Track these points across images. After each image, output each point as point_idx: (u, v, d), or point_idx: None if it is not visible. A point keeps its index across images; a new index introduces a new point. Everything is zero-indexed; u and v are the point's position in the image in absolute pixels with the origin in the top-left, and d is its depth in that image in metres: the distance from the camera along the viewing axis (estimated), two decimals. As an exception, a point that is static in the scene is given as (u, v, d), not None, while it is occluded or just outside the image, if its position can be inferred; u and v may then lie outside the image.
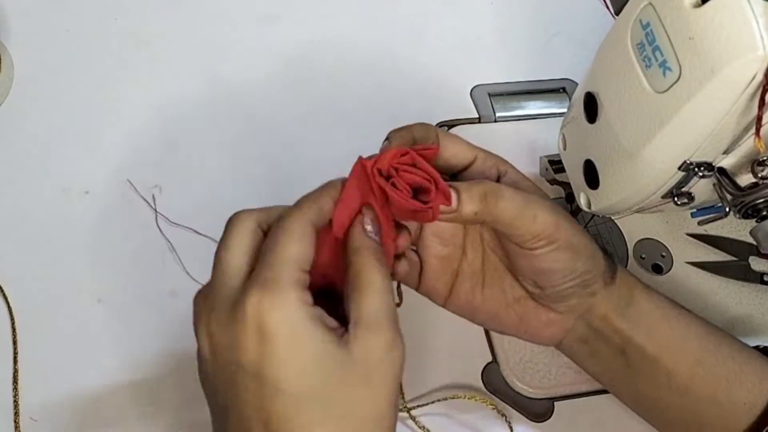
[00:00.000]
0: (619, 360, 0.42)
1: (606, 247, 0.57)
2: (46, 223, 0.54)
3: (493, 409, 0.50)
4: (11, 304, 0.50)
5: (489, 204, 0.36)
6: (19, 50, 0.61)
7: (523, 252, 0.38)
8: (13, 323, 0.50)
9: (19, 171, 0.56)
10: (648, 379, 0.42)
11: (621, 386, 0.44)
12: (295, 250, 0.32)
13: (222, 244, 0.34)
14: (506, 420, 0.50)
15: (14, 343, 0.49)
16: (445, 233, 0.42)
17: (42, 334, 0.50)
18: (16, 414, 0.47)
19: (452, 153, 0.39)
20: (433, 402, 0.50)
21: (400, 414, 0.49)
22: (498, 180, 0.40)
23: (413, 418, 0.50)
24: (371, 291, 0.33)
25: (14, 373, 0.48)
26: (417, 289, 0.43)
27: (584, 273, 0.39)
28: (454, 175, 0.40)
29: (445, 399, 0.50)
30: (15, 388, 0.48)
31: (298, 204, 0.35)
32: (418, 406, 0.50)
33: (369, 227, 0.36)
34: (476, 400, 0.50)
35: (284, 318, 0.30)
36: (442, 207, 0.35)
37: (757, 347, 0.44)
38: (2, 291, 0.51)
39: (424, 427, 0.49)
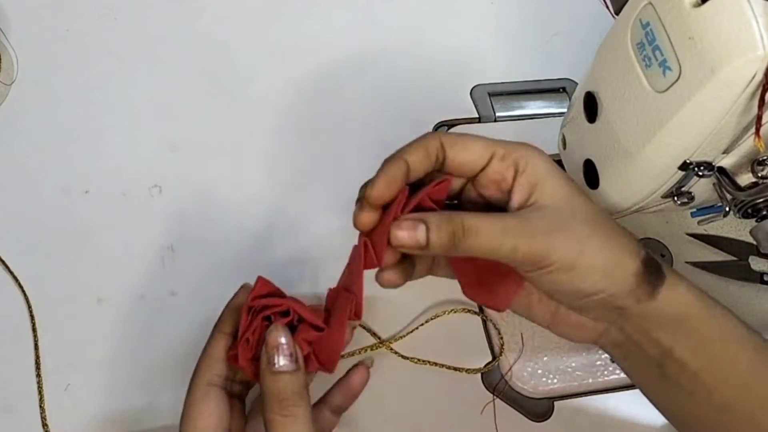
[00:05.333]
0: (654, 370, 0.40)
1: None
2: (46, 223, 0.54)
3: (470, 312, 0.51)
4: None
5: (458, 242, 0.34)
6: (19, 50, 0.61)
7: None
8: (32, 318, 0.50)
9: (19, 171, 0.56)
10: (685, 392, 0.40)
11: (654, 393, 0.42)
12: (196, 424, 0.37)
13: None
14: (482, 317, 0.53)
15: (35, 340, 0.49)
16: None
17: (40, 333, 0.50)
18: (41, 401, 0.48)
19: (461, 162, 0.37)
20: (411, 331, 0.52)
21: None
22: (515, 176, 0.37)
23: (393, 350, 0.51)
24: None
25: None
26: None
27: (595, 293, 0.36)
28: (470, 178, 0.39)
29: (424, 324, 0.52)
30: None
31: (195, 368, 0.39)
32: (399, 338, 0.52)
33: (274, 359, 0.36)
34: (454, 312, 0.52)
35: None
36: (409, 241, 0.34)
37: None
38: (21, 286, 0.51)
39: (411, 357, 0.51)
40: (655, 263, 0.37)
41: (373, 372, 0.47)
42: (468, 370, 0.51)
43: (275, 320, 0.37)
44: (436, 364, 0.51)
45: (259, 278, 0.39)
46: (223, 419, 0.38)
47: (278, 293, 0.39)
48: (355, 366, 0.40)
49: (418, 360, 0.51)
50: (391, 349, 0.51)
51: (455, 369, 0.51)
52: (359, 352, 0.50)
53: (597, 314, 0.38)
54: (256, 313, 0.37)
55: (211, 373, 0.38)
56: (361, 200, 0.37)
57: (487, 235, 0.34)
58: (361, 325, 0.52)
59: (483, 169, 0.37)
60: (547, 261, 0.35)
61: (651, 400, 0.42)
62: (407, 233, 0.34)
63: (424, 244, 0.34)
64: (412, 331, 0.52)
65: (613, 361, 0.52)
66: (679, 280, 0.38)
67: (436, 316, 0.53)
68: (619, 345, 0.40)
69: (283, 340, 0.36)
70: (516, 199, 0.37)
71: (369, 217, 0.36)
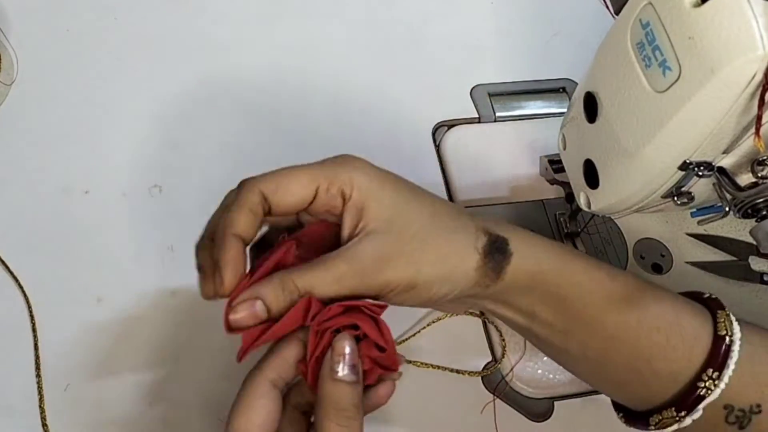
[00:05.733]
0: (527, 332, 0.40)
1: (605, 246, 0.57)
2: (46, 223, 0.54)
3: (471, 314, 0.52)
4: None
5: (293, 295, 0.34)
6: (19, 50, 0.61)
7: None
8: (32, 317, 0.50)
9: (19, 171, 0.56)
10: (560, 350, 0.40)
11: (539, 347, 0.42)
12: (248, 418, 0.34)
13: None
14: (483, 318, 0.53)
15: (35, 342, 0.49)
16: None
17: (40, 333, 0.50)
18: (41, 400, 0.48)
19: (287, 206, 0.36)
20: (413, 335, 0.52)
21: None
22: (344, 204, 0.36)
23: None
24: None
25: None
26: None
27: (440, 298, 0.37)
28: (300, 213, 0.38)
29: (426, 327, 0.53)
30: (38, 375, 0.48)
31: (259, 363, 0.35)
32: (401, 341, 0.52)
33: (338, 366, 0.34)
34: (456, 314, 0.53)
35: None
36: (252, 320, 0.34)
37: (700, 295, 0.40)
38: (20, 286, 0.51)
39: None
40: (496, 246, 0.37)
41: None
42: (471, 373, 0.51)
43: (343, 331, 0.36)
44: (438, 367, 0.51)
45: (311, 299, 0.36)
46: (275, 422, 0.36)
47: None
48: (383, 378, 0.39)
49: (421, 363, 0.51)
50: None
51: (457, 372, 0.51)
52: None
53: (453, 307, 0.39)
54: (324, 332, 0.35)
55: (276, 374, 0.36)
56: (201, 268, 0.36)
57: (323, 288, 0.34)
58: None
59: (311, 202, 0.36)
60: (387, 289, 0.35)
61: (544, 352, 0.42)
62: (246, 314, 0.34)
63: (266, 316, 0.34)
64: (414, 335, 0.52)
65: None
66: (527, 248, 0.38)
67: (438, 320, 0.53)
68: (489, 312, 0.41)
69: (348, 350, 0.35)
70: (346, 230, 0.36)
71: (213, 290, 0.36)
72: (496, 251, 0.37)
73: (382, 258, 0.35)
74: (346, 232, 0.36)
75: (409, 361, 0.51)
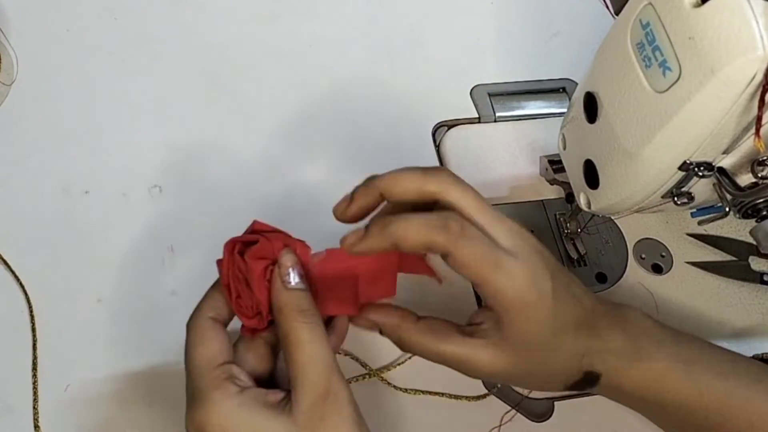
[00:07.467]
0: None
1: (604, 246, 0.57)
2: (47, 223, 0.54)
3: None
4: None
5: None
6: (19, 50, 0.61)
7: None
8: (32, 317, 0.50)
9: (19, 171, 0.56)
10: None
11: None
12: (201, 353, 0.36)
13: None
14: None
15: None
16: None
17: (40, 333, 0.50)
18: (35, 401, 0.47)
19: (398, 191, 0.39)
20: (403, 362, 0.51)
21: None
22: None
23: (384, 380, 0.50)
24: (298, 349, 0.35)
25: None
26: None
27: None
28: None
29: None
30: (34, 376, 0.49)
31: (197, 307, 0.39)
32: (397, 365, 0.51)
33: (289, 277, 0.37)
34: None
35: (219, 420, 0.34)
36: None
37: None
38: (22, 286, 0.51)
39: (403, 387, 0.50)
40: (586, 381, 0.40)
41: (368, 392, 0.48)
42: (470, 398, 0.50)
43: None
44: (435, 393, 0.50)
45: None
46: (227, 350, 0.38)
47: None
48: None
49: (415, 391, 0.50)
50: (382, 378, 0.50)
51: (455, 397, 0.50)
52: (350, 382, 0.48)
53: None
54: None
55: (214, 313, 0.39)
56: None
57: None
58: (350, 355, 0.50)
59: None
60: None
61: None
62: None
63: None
64: (410, 357, 0.50)
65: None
66: (617, 376, 0.40)
67: None
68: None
69: (292, 262, 0.38)
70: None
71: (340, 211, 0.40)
72: (585, 384, 0.40)
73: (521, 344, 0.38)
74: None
75: (405, 390, 0.50)
